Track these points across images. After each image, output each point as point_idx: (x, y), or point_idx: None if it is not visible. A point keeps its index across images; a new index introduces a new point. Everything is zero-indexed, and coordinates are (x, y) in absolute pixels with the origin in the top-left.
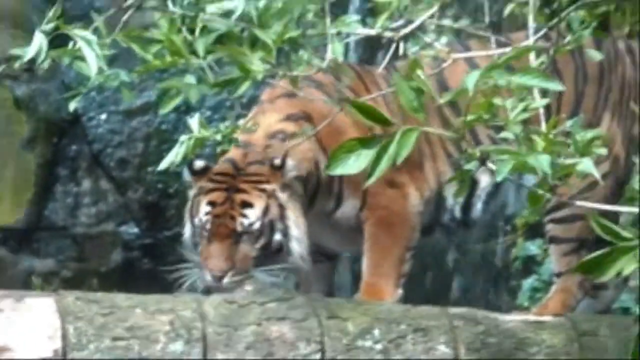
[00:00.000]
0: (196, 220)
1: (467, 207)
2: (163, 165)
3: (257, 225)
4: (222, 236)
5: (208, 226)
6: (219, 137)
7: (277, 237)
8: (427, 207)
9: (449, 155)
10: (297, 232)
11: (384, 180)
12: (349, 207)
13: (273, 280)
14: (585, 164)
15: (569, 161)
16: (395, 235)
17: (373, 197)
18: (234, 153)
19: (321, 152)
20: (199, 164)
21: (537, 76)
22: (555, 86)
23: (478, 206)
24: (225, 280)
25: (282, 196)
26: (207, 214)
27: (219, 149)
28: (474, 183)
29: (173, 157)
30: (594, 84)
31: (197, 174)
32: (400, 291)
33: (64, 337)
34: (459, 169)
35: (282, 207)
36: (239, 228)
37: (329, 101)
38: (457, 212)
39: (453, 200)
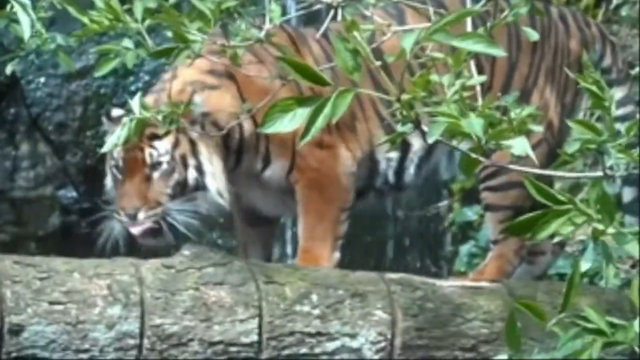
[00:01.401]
0: (112, 163)
1: (400, 170)
2: (106, 147)
3: (166, 158)
4: (133, 171)
5: (120, 163)
6: (160, 117)
7: (192, 173)
8: (360, 169)
9: (382, 118)
10: (210, 167)
11: (313, 142)
12: (277, 168)
13: (188, 220)
14: (520, 144)
15: (504, 142)
16: (327, 196)
17: (302, 159)
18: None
19: (244, 111)
20: (116, 112)
21: (479, 41)
22: (497, 52)
23: (411, 170)
24: (140, 216)
25: (192, 132)
26: (119, 151)
27: (161, 131)
28: (406, 146)
29: (115, 139)
30: (527, 52)
31: (115, 121)
32: (337, 254)
33: (2, 301)
34: (391, 132)
35: (193, 143)
36: (148, 159)
37: (269, 77)
38: (391, 176)
39: (386, 164)
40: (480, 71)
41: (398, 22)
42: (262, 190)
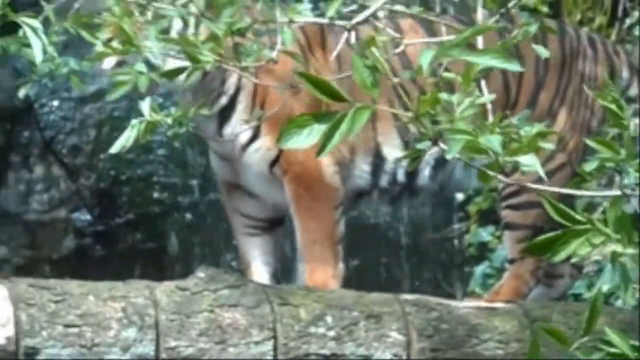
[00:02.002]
0: None
1: (413, 172)
2: (114, 149)
3: None
4: None
5: None
6: (169, 120)
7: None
8: (361, 166)
9: (397, 118)
10: None
11: None
12: (263, 147)
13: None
14: (530, 161)
15: (515, 158)
16: (316, 193)
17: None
18: None
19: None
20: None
21: (496, 56)
22: (514, 67)
23: (425, 172)
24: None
25: None
26: None
27: (170, 133)
28: None
29: (124, 141)
30: (555, 74)
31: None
32: (341, 266)
33: (17, 324)
34: (404, 130)
35: None
36: None
37: (280, 86)
38: (401, 176)
39: (394, 163)
40: (506, 88)
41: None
42: (244, 172)
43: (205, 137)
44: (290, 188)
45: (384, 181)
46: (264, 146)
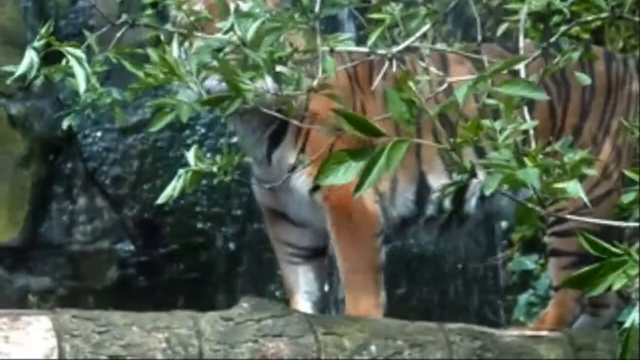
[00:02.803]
0: None
1: (460, 200)
2: (162, 199)
3: None
4: None
5: None
6: (215, 169)
7: None
8: (405, 194)
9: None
10: None
11: None
12: (305, 172)
13: None
14: (573, 187)
15: (558, 185)
16: (356, 221)
17: None
18: None
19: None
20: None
21: (524, 87)
22: (541, 96)
23: (472, 200)
24: None
25: None
26: None
27: (215, 181)
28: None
29: (171, 191)
30: (602, 97)
31: None
32: (383, 295)
33: (61, 355)
34: (449, 158)
35: None
36: None
37: (324, 129)
38: (447, 204)
39: (441, 192)
40: (552, 113)
41: (440, 68)
42: (291, 204)
43: (252, 162)
44: (330, 215)
45: (430, 210)
46: (306, 171)
